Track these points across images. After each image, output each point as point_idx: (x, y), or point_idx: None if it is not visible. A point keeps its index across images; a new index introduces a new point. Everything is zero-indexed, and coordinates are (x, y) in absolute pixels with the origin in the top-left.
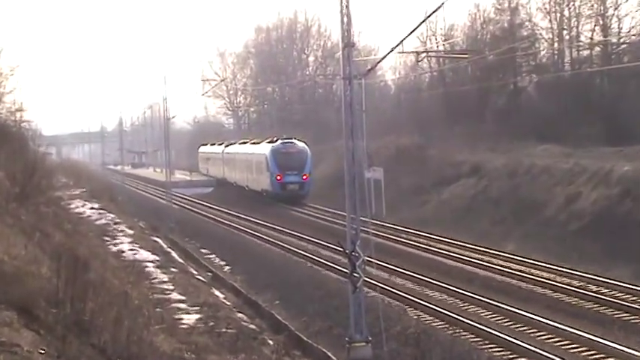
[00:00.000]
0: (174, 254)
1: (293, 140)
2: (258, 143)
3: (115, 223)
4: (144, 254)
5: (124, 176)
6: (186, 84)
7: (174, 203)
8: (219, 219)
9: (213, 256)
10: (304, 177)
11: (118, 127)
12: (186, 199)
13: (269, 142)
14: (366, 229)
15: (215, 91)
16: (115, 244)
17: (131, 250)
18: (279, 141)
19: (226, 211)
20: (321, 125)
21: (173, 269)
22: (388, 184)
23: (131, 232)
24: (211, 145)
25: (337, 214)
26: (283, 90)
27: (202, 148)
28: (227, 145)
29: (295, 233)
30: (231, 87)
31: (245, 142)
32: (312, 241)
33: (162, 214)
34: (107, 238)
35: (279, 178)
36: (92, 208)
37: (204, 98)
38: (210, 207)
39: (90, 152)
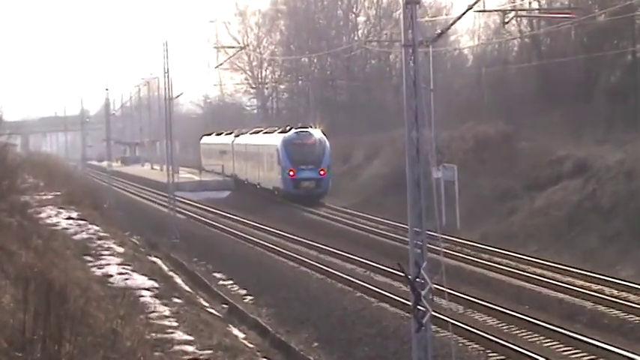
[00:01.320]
0: (178, 279)
1: (308, 129)
2: (271, 132)
3: (100, 238)
4: (138, 279)
5: (112, 175)
6: (194, 53)
7: (178, 212)
8: (236, 232)
9: (230, 282)
10: (321, 172)
11: (103, 111)
12: (193, 205)
13: (281, 132)
14: (434, 246)
15: (233, 63)
16: (100, 267)
17: (121, 273)
18: (293, 130)
19: (246, 220)
20: (375, 108)
21: (177, 300)
22: (464, 187)
23: (121, 249)
24: (217, 135)
25: (396, 226)
26: (324, 61)
27: (206, 139)
28: (237, 135)
29: (338, 252)
30: (254, 57)
31: (259, 131)
32: (362, 262)
33: (162, 225)
34: (90, 259)
35: (291, 173)
36: (70, 218)
37: (218, 72)
38: (225, 215)
39: (67, 143)
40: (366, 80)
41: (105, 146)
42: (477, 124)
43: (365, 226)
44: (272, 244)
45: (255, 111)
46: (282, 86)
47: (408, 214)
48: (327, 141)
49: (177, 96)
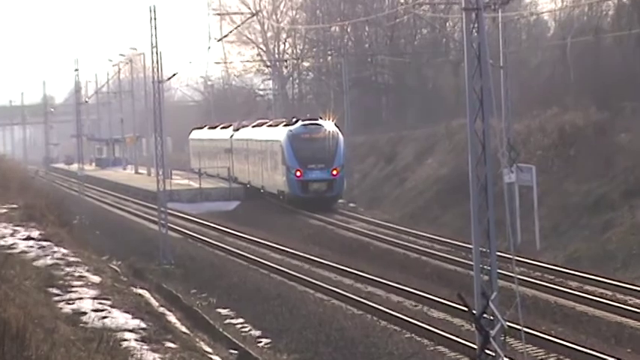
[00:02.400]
0: (171, 317)
1: (318, 121)
2: (276, 126)
3: (70, 265)
4: (120, 318)
5: (85, 183)
6: (191, 22)
7: (172, 229)
8: (247, 254)
9: (240, 320)
10: (334, 172)
11: (72, 98)
12: (192, 220)
13: (287, 125)
14: (506, 272)
15: (242, 34)
16: (69, 301)
17: (98, 310)
18: (299, 122)
19: (259, 240)
20: (427, 92)
21: (170, 344)
22: (545, 194)
23: (97, 279)
24: (211, 128)
25: (456, 245)
26: (360, 31)
27: (197, 134)
28: (237, 129)
29: (380, 280)
30: (269, 26)
31: (262, 124)
32: (412, 293)
33: (151, 247)
34: (56, 291)
35: (298, 174)
36: (29, 239)
37: (222, 46)
38: (233, 233)
39: (25, 141)
40: (415, 56)
41: (75, 144)
42: (562, 111)
43: (415, 246)
44: (294, 271)
45: (271, 96)
46: (305, 64)
47: (471, 230)
48: (340, 134)
49: (170, 78)
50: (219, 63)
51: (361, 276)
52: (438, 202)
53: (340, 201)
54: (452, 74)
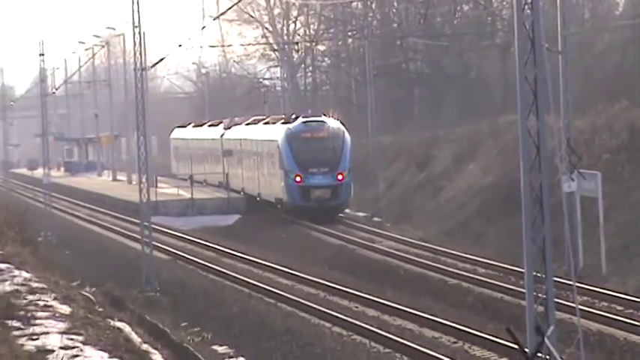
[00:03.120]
0: (157, 357)
1: (322, 118)
2: (274, 123)
3: (33, 292)
4: (94, 357)
5: (52, 192)
6: None
7: (158, 248)
8: (249, 279)
9: None
10: (339, 177)
11: (35, 89)
12: (182, 238)
13: (285, 122)
14: (565, 302)
15: (243, 11)
16: (33, 336)
17: (67, 347)
18: (300, 120)
19: (263, 262)
20: (469, 83)
21: None
22: (613, 207)
23: (66, 309)
24: (196, 127)
25: (504, 268)
26: (388, 7)
27: (180, 133)
28: (228, 127)
29: (412, 311)
30: (276, 1)
31: (258, 121)
32: (450, 327)
33: (132, 270)
34: (17, 324)
35: (298, 179)
36: None
37: (219, 25)
38: (231, 254)
39: None
40: (455, 38)
41: (39, 145)
42: (633, 106)
43: (454, 270)
44: (306, 300)
45: (279, 87)
46: (320, 47)
47: (523, 251)
48: (346, 133)
49: (155, 64)
50: (215, 46)
51: (389, 306)
52: (481, 217)
53: (362, 214)
54: (499, 61)
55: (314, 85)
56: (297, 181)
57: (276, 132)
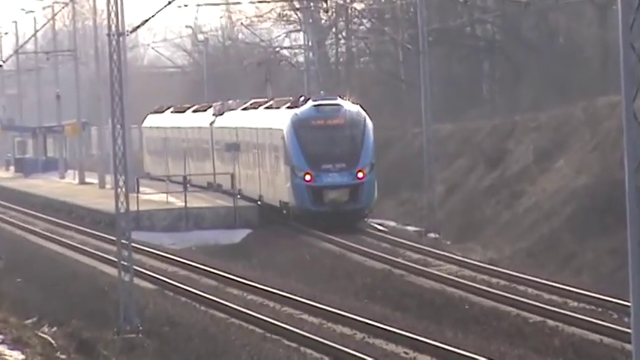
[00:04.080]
0: None
1: (337, 100)
2: (277, 107)
3: None
4: None
5: None
6: None
7: (140, 274)
8: (263, 318)
9: None
10: (359, 174)
11: None
12: (172, 260)
13: (292, 107)
14: None
15: None
16: None
17: None
18: (310, 103)
19: (282, 293)
20: (556, 53)
21: None
22: None
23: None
24: (176, 112)
25: (606, 302)
26: None
27: (154, 120)
28: (219, 113)
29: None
30: None
31: (258, 105)
32: None
33: (105, 303)
34: None
35: (308, 178)
36: None
37: None
38: (239, 282)
39: None
40: None
41: None
42: None
43: (537, 303)
44: (339, 344)
45: (301, 58)
46: (357, 6)
47: (629, 278)
48: (368, 120)
49: (136, 28)
50: (217, 4)
51: (449, 351)
52: (573, 232)
53: (412, 229)
54: (596, 24)
55: (349, 56)
56: (306, 181)
57: (281, 119)
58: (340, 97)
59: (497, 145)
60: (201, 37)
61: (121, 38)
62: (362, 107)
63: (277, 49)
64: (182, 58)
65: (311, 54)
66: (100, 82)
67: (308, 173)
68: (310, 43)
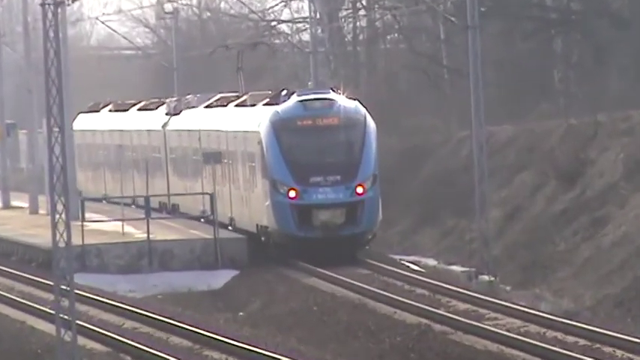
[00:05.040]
0: None
1: (328, 94)
2: (251, 105)
3: None
4: None
5: None
6: None
7: (84, 330)
8: None
9: None
10: (358, 189)
11: None
12: (129, 311)
13: (270, 103)
14: None
15: None
16: None
17: None
18: (294, 97)
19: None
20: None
21: None
22: None
23: None
24: (116, 111)
25: None
26: None
27: (88, 121)
28: (175, 112)
29: None
30: None
31: (227, 102)
32: None
33: None
34: None
35: (293, 194)
36: None
37: None
38: (222, 342)
39: None
40: None
41: None
42: None
43: None
44: None
45: (306, 37)
46: None
47: None
48: (369, 119)
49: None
50: None
51: None
52: None
53: (458, 269)
54: None
55: (371, 32)
56: (290, 198)
57: (257, 119)
58: (333, 90)
59: (575, 155)
60: (169, 7)
61: (59, 8)
62: (360, 103)
63: (273, 23)
64: (143, 36)
65: (319, 30)
66: (30, 69)
67: (292, 189)
68: (318, 16)
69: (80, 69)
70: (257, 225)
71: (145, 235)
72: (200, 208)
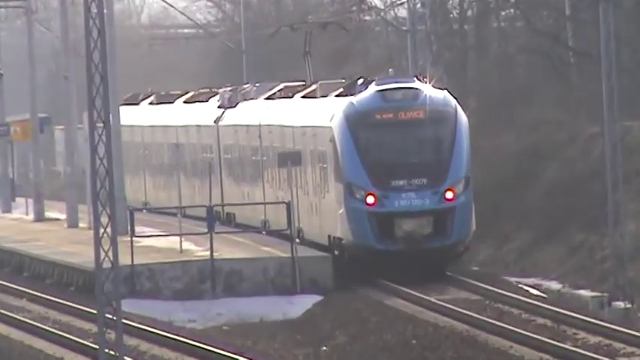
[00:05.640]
0: None
1: (413, 82)
2: (323, 95)
3: None
4: None
5: None
6: None
7: None
8: None
9: None
10: (448, 194)
11: None
12: (189, 345)
13: (343, 94)
14: None
15: None
16: None
17: None
18: (373, 87)
19: None
20: None
21: None
22: None
23: None
24: (162, 103)
25: None
26: None
27: (124, 115)
28: (230, 105)
29: None
30: None
31: (292, 91)
32: None
33: None
34: None
35: (371, 200)
36: None
37: None
38: None
39: None
40: None
41: None
42: None
43: None
44: None
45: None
46: None
47: None
48: (460, 112)
49: None
50: None
51: None
52: None
53: (587, 293)
54: None
55: (482, 7)
56: (368, 204)
57: (328, 112)
58: (418, 78)
59: None
60: None
61: None
62: (450, 93)
63: None
64: (205, 11)
65: (419, 4)
66: (68, 52)
67: (371, 194)
68: None
69: (129, 52)
70: (329, 237)
71: (207, 253)
72: (261, 218)
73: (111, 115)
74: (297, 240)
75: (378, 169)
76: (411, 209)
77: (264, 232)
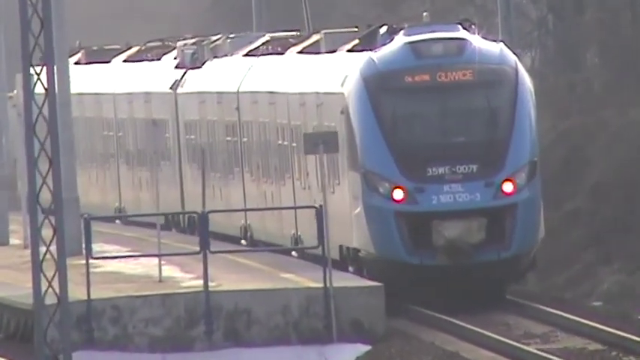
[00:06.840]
0: None
1: (457, 31)
2: (331, 51)
3: None
4: None
5: None
6: None
7: None
8: None
9: None
10: (507, 186)
11: None
12: None
13: (359, 48)
14: None
15: None
16: None
17: None
18: (402, 36)
19: None
20: None
21: None
22: None
23: None
24: (90, 62)
25: None
26: None
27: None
28: (196, 64)
29: None
30: None
31: (285, 44)
32: None
33: None
34: None
35: (399, 196)
36: None
37: None
38: None
39: None
40: None
41: None
42: None
43: None
44: None
45: None
46: None
47: None
48: (523, 73)
49: None
50: None
51: None
52: None
53: None
54: None
55: None
56: (396, 201)
57: (338, 73)
58: (463, 26)
59: None
60: None
61: None
62: (508, 47)
63: None
64: None
65: None
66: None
67: (399, 187)
68: None
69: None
70: (340, 247)
71: (200, 282)
72: (241, 224)
73: (56, 78)
74: (294, 254)
75: (408, 152)
76: (455, 208)
77: (243, 241)
